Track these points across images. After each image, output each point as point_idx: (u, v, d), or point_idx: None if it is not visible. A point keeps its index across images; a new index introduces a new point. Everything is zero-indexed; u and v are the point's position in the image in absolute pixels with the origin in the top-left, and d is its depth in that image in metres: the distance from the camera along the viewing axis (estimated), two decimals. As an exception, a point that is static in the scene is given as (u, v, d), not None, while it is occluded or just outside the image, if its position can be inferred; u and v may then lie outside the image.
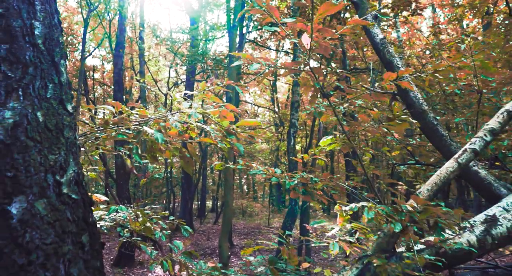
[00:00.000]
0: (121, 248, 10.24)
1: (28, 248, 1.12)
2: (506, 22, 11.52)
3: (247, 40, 16.09)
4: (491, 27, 11.90)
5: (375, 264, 1.77)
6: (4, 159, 1.11)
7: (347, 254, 2.12)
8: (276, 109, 22.21)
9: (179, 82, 18.21)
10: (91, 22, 16.85)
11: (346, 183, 2.43)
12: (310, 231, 2.17)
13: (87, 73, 17.28)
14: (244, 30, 12.62)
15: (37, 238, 1.14)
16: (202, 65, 13.90)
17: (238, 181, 32.84)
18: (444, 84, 6.09)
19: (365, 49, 14.98)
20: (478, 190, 2.91)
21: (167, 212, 3.07)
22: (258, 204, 27.77)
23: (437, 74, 1.85)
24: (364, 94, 2.18)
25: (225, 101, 8.84)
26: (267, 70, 1.98)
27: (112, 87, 16.05)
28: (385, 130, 2.06)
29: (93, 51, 15.40)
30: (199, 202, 21.94)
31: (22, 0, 1.16)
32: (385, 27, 13.83)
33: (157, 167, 16.83)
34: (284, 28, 1.97)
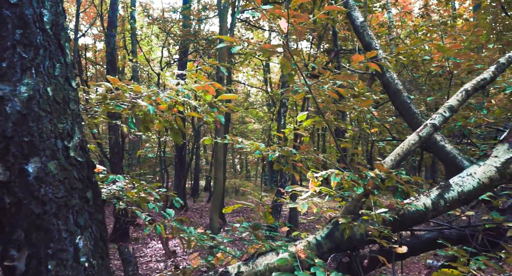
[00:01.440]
0: (116, 224, 10.58)
1: (43, 200, 1.36)
2: (494, 3, 11.67)
3: (239, 20, 16.09)
4: (479, 10, 12.05)
5: (340, 223, 2.04)
6: (21, 127, 1.33)
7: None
8: (269, 89, 22.33)
9: (172, 61, 18.21)
10: (83, 1, 16.69)
11: (322, 156, 2.69)
12: (284, 195, 2.43)
13: (80, 53, 17.22)
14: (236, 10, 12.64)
15: (50, 192, 1.38)
16: (195, 44, 13.95)
17: (231, 161, 33.22)
18: (429, 66, 6.32)
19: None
20: (445, 163, 3.19)
21: (160, 183, 3.31)
22: (250, 183, 28.24)
23: (400, 57, 2.07)
24: (344, 74, 2.41)
25: (216, 79, 9.00)
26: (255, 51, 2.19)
27: (105, 66, 16.06)
28: (354, 106, 2.30)
29: (86, 31, 15.32)
30: (192, 182, 22.27)
31: (32, -9, 1.36)
32: (379, 9, 13.87)
33: (150, 147, 17.03)
34: (266, 13, 2.17)
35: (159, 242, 11.34)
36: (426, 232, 2.49)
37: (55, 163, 1.39)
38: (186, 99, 1.80)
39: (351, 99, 2.37)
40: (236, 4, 11.20)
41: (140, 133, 1.99)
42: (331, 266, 2.43)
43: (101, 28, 16.61)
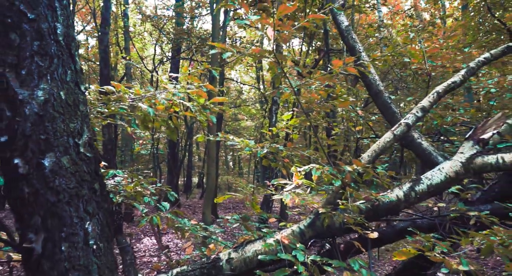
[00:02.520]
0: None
1: (57, 190, 1.56)
2: (483, 3, 11.93)
3: (232, 18, 16.23)
4: (466, 10, 12.35)
5: (320, 213, 2.26)
6: (39, 126, 1.53)
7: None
8: (262, 87, 22.49)
9: (165, 59, 18.31)
10: (76, -2, 16.70)
11: (307, 152, 2.91)
12: (270, 186, 2.65)
13: (72, 49, 17.18)
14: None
15: (63, 183, 1.58)
16: (188, 42, 14.08)
17: (224, 157, 33.38)
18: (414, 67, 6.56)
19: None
20: (421, 159, 3.43)
21: (155, 178, 3.50)
22: (243, 180, 28.43)
23: (376, 61, 2.29)
24: (326, 77, 2.63)
25: (208, 78, 9.11)
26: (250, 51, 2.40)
27: (97, 63, 16.11)
28: (333, 105, 2.52)
29: (81, 30, 15.37)
30: (185, 178, 22.40)
31: (48, 7, 1.55)
32: (369, 9, 14.10)
33: (144, 144, 17.14)
34: (254, 21, 2.38)
35: (152, 238, 11.54)
36: (400, 221, 2.73)
37: (67, 158, 1.59)
38: (182, 101, 2.00)
39: (330, 100, 2.58)
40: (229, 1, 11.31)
41: (138, 131, 2.18)
42: (313, 253, 2.66)
43: (94, 25, 16.66)
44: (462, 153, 2.52)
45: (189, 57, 16.67)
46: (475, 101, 4.27)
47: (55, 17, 1.58)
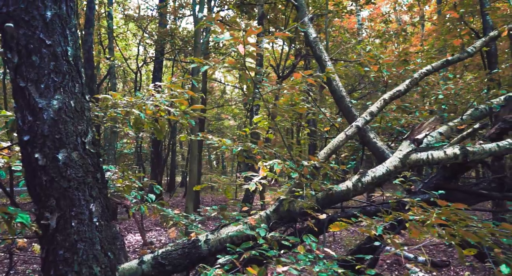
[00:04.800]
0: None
1: (68, 178, 1.99)
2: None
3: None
4: (441, 16, 13.04)
5: (281, 199, 2.73)
6: (54, 128, 1.95)
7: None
8: (245, 87, 22.88)
9: (149, 60, 18.57)
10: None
11: (274, 150, 3.38)
12: (239, 178, 3.10)
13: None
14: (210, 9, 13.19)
15: (73, 173, 2.00)
16: (171, 43, 14.43)
17: (207, 156, 33.71)
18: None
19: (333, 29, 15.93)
20: (375, 156, 3.94)
21: (142, 173, 3.92)
22: (226, 178, 28.84)
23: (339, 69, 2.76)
24: (290, 86, 3.11)
25: (191, 80, 9.52)
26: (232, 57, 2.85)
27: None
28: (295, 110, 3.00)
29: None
30: (169, 177, 22.68)
31: (61, 35, 1.98)
32: (347, 14, 14.63)
33: (128, 142, 17.37)
34: (227, 40, 2.83)
35: (137, 234, 11.88)
36: (352, 208, 3.22)
37: (76, 153, 2.02)
38: (167, 108, 2.44)
39: (289, 107, 3.06)
40: (212, 3, 11.74)
41: (130, 132, 2.61)
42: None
43: (77, 25, 16.82)
44: (400, 150, 3.03)
45: (173, 57, 17.01)
46: (428, 105, 4.83)
47: (66, 42, 2.01)
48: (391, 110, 4.86)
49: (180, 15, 17.58)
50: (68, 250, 1.98)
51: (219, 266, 2.28)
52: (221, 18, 16.95)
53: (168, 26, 14.74)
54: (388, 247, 9.58)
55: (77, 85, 2.06)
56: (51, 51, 1.94)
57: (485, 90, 4.66)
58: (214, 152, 33.64)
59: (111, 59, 11.14)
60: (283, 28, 14.30)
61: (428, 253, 8.69)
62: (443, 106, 4.81)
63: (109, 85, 17.48)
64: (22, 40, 1.89)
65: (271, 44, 19.85)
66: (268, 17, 14.17)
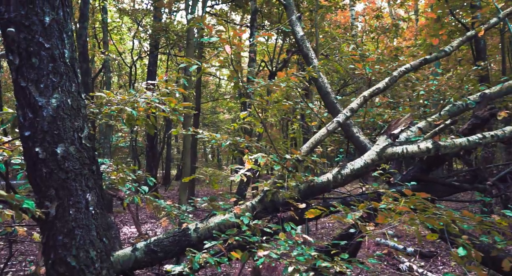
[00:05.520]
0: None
1: (66, 170, 2.17)
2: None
3: (209, 13, 16.71)
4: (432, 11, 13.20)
5: (265, 189, 2.93)
6: (53, 124, 2.13)
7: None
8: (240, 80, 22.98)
9: (143, 55, 18.63)
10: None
11: (260, 144, 3.57)
12: (226, 170, 3.28)
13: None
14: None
15: (70, 165, 2.19)
16: (166, 37, 14.51)
17: (202, 150, 33.90)
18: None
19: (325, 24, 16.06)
20: (358, 149, 4.15)
21: (136, 166, 4.11)
22: (222, 172, 29.07)
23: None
24: (275, 84, 3.29)
25: (185, 74, 9.66)
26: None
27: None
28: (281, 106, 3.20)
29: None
30: (164, 171, 22.85)
31: (58, 39, 2.15)
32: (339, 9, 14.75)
33: (123, 136, 17.49)
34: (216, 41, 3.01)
35: (132, 227, 12.09)
36: (333, 199, 3.43)
37: (73, 147, 2.20)
38: (158, 105, 2.62)
39: (275, 103, 3.25)
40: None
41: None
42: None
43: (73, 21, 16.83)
44: (378, 144, 3.23)
45: (167, 51, 17.10)
46: (409, 100, 5.05)
47: (64, 45, 2.18)
48: (376, 105, 5.06)
49: (175, 9, 17.64)
50: (66, 236, 2.17)
51: (205, 251, 2.48)
52: (215, 13, 17.05)
53: (162, 21, 14.82)
54: (378, 239, 9.89)
55: (74, 84, 2.24)
56: (50, 54, 2.11)
57: (466, 87, 4.87)
58: (210, 145, 33.83)
59: (106, 53, 11.24)
60: (277, 21, 14.44)
61: (417, 244, 8.96)
62: (425, 102, 5.02)
63: (104, 78, 17.58)
64: (22, 44, 2.06)
65: (266, 38, 19.96)
66: (262, 11, 14.29)
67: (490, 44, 15.43)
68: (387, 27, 12.36)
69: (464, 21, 11.89)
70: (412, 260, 7.61)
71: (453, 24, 12.90)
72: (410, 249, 8.04)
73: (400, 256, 7.88)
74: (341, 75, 12.68)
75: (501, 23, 9.07)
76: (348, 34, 14.29)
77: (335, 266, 2.06)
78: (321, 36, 13.69)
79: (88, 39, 16.94)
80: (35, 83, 2.10)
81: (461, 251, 2.12)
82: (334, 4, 12.59)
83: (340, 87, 12.82)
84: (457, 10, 12.85)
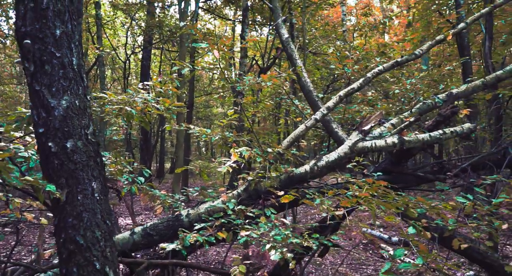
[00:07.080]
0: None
1: (75, 162, 2.52)
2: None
3: (202, 9, 16.95)
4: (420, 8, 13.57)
5: (249, 179, 3.31)
6: (63, 122, 2.48)
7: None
8: (233, 75, 23.27)
9: (137, 51, 18.82)
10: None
11: (247, 138, 3.94)
12: (214, 162, 3.67)
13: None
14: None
15: (78, 158, 2.54)
16: (159, 33, 14.75)
17: (196, 143, 34.17)
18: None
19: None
20: (337, 143, 4.54)
21: (132, 159, 4.46)
22: (202, 162, 29.38)
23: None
24: (258, 83, 3.65)
25: (178, 75, 9.96)
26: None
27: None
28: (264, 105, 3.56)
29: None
30: (158, 164, 23.15)
31: (67, 48, 2.49)
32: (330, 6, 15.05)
33: (118, 129, 17.74)
34: (205, 47, 3.35)
35: (127, 218, 12.45)
36: (310, 188, 3.81)
37: (81, 142, 2.55)
38: (153, 104, 2.97)
39: (257, 103, 3.62)
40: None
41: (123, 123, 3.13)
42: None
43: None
44: (350, 139, 3.62)
45: (161, 46, 17.33)
46: (386, 98, 5.43)
47: (72, 54, 2.52)
48: (356, 101, 5.43)
49: (168, 4, 17.83)
50: (75, 218, 2.53)
51: (195, 231, 2.86)
52: (207, 8, 17.28)
53: (156, 16, 15.05)
54: (364, 229, 10.36)
55: (81, 88, 2.58)
56: (60, 62, 2.45)
57: (441, 86, 5.26)
58: (203, 139, 34.10)
59: (100, 48, 11.49)
60: (269, 16, 14.73)
61: (400, 234, 9.42)
62: (402, 99, 5.41)
63: (98, 72, 17.79)
64: (37, 53, 2.40)
65: (258, 33, 20.19)
66: (254, 7, 14.56)
67: (476, 41, 15.87)
68: (375, 25, 12.70)
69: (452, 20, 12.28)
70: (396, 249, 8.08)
71: (439, 21, 13.27)
72: (395, 238, 8.52)
73: (384, 245, 8.37)
74: (330, 71, 13.08)
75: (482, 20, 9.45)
76: (338, 30, 14.61)
77: (303, 242, 2.45)
78: (311, 32, 14.02)
79: (82, 33, 17.09)
80: (47, 87, 2.44)
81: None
82: (324, 1, 12.91)
83: (330, 82, 13.19)
84: (444, 7, 13.22)
